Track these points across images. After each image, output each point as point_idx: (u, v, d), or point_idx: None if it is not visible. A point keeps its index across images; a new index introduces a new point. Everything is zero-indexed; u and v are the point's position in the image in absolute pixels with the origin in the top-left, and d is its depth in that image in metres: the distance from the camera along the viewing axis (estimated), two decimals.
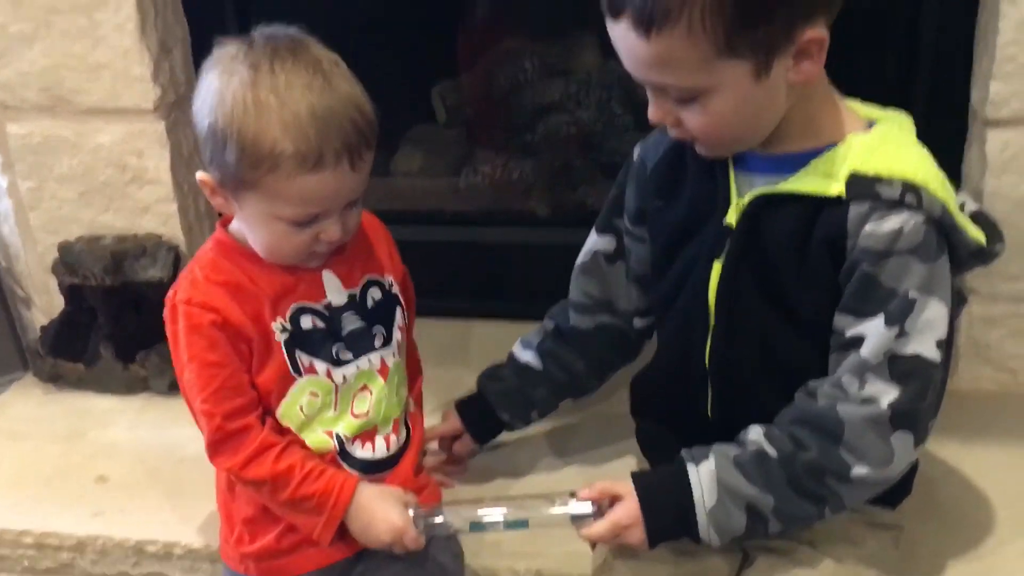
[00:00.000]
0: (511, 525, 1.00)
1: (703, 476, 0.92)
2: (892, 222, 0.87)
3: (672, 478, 0.94)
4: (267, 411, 1.01)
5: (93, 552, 1.20)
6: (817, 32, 0.85)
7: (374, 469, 1.05)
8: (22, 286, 1.64)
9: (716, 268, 0.96)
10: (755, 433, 0.93)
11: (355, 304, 1.05)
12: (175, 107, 1.46)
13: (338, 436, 1.03)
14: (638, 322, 1.15)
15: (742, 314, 0.96)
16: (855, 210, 0.88)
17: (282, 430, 1.02)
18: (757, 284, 0.95)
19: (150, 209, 1.48)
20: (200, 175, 0.99)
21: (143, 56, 1.39)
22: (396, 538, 0.98)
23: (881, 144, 0.91)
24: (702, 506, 0.92)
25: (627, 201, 1.10)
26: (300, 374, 1.01)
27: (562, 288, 1.56)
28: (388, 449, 1.06)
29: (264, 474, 0.98)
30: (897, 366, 0.88)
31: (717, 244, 0.96)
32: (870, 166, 0.88)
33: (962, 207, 0.94)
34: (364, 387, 1.04)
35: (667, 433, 1.07)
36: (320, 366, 1.02)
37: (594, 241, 1.16)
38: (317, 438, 1.03)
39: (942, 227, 0.88)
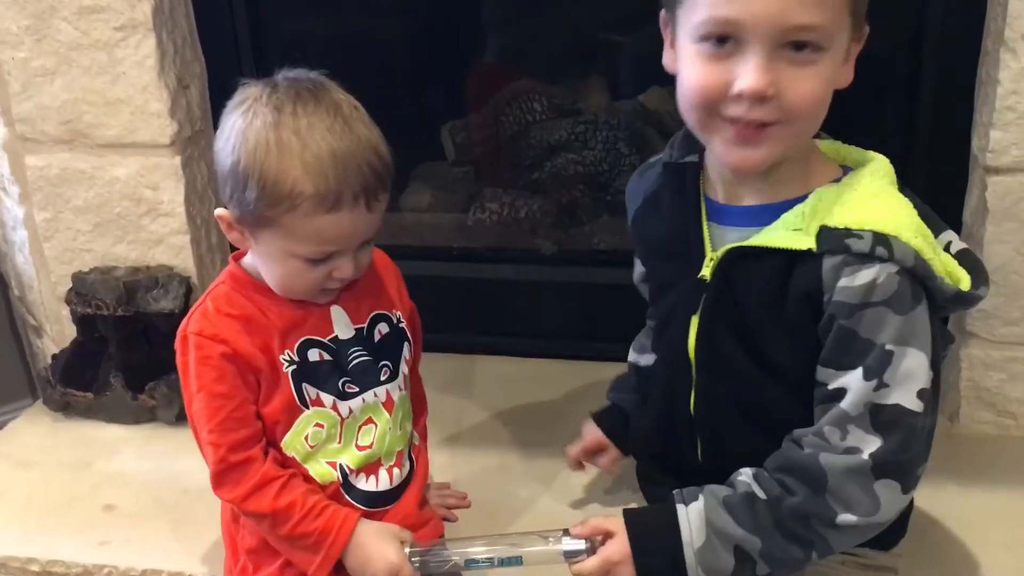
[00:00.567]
0: (505, 562, 1.00)
1: (692, 517, 0.93)
2: (865, 275, 0.87)
3: (662, 517, 0.95)
4: (272, 442, 1.03)
5: None
6: (866, 31, 0.88)
7: (377, 502, 1.07)
8: (34, 315, 1.66)
9: (694, 322, 0.97)
10: (745, 475, 0.94)
11: (362, 339, 1.06)
12: (191, 142, 1.49)
13: (342, 467, 1.05)
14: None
15: (722, 366, 0.97)
16: (828, 264, 0.88)
17: (286, 462, 1.03)
18: (734, 337, 0.95)
19: (163, 241, 1.51)
20: (219, 211, 1.01)
21: (161, 92, 1.42)
22: (391, 575, 0.99)
23: (851, 194, 0.91)
24: (691, 546, 0.92)
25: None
26: (307, 406, 1.03)
27: (566, 324, 1.59)
28: (391, 482, 1.08)
29: (265, 508, 0.99)
30: (878, 417, 0.88)
31: (694, 298, 0.97)
32: (839, 219, 0.88)
33: (947, 247, 0.94)
34: (369, 420, 1.06)
35: (664, 473, 1.08)
36: (326, 398, 1.03)
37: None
38: (321, 469, 1.04)
39: (916, 276, 0.88)
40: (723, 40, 0.85)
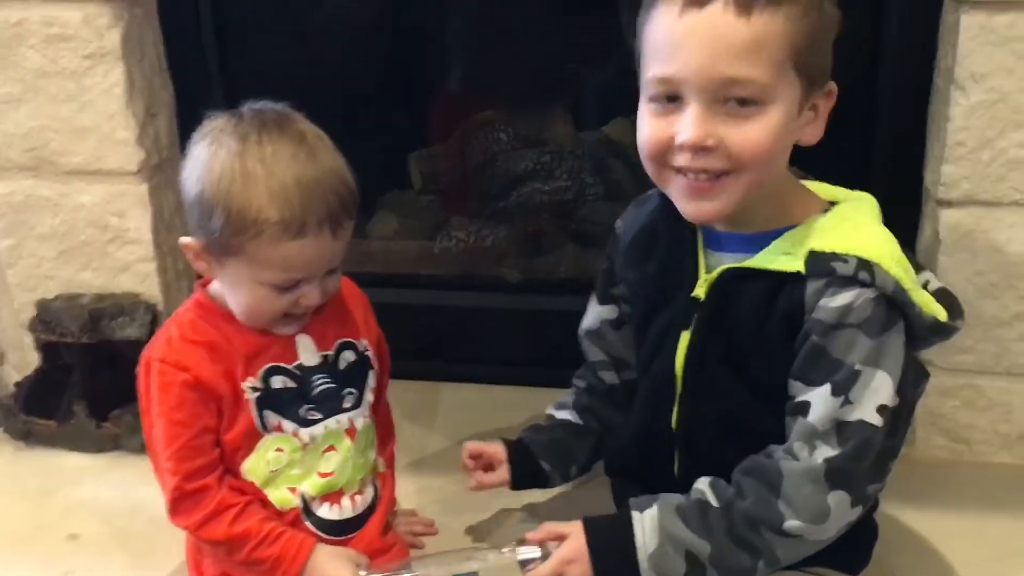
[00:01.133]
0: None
1: (646, 522, 0.96)
2: (844, 297, 0.91)
3: (618, 522, 0.98)
4: (231, 470, 1.03)
5: None
6: (833, 87, 0.93)
7: (339, 530, 1.07)
8: None
9: (684, 338, 1.00)
10: (702, 483, 0.97)
11: (327, 366, 1.07)
12: (158, 170, 1.49)
13: (302, 495, 1.05)
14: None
15: (707, 382, 1.00)
16: (812, 286, 0.92)
17: (244, 488, 1.03)
18: (722, 354, 0.99)
19: (129, 268, 1.51)
20: (184, 240, 1.02)
21: (128, 120, 1.43)
22: None
23: (839, 223, 0.96)
24: (644, 550, 0.95)
25: (616, 272, 1.14)
26: (267, 431, 1.03)
27: (531, 352, 1.61)
28: (354, 509, 1.08)
29: (220, 536, 1.00)
30: (843, 432, 0.92)
31: (686, 316, 1.00)
32: (827, 244, 0.93)
33: (926, 285, 0.98)
34: (331, 447, 1.06)
35: (639, 491, 1.09)
36: (288, 425, 1.04)
37: (598, 311, 1.19)
38: (281, 495, 1.05)
39: (894, 303, 0.92)
40: (672, 99, 0.91)
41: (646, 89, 0.94)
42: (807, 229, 0.95)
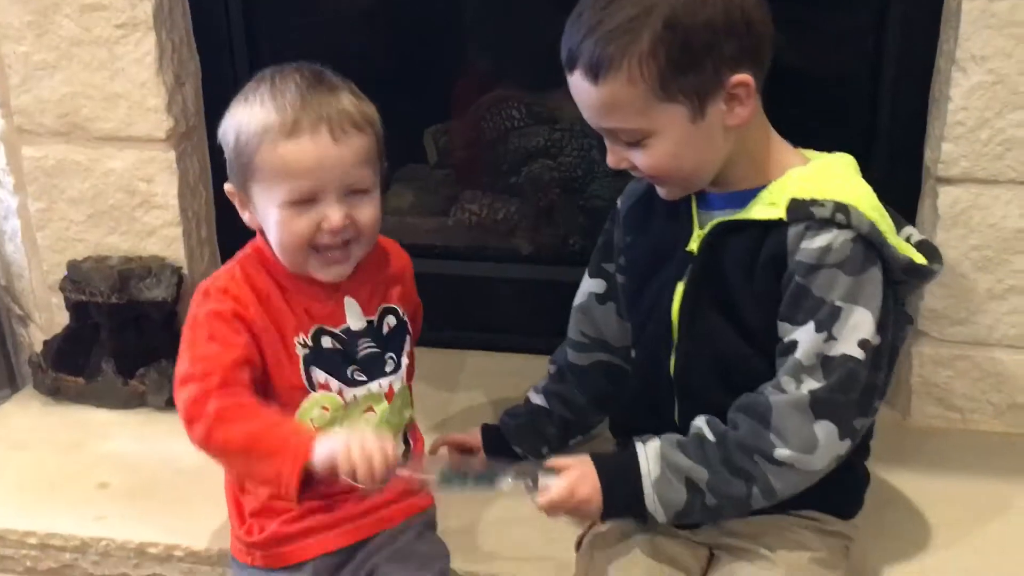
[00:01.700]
0: (480, 480, 1.04)
1: (649, 452, 1.02)
2: (823, 239, 0.97)
3: (623, 454, 1.04)
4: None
5: (95, 553, 1.25)
6: (743, 77, 0.97)
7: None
8: (21, 304, 1.69)
9: (679, 289, 1.06)
10: (699, 420, 1.03)
11: (372, 331, 1.10)
12: (185, 138, 1.54)
13: None
14: (632, 355, 1.23)
15: (702, 330, 1.06)
16: (793, 230, 0.98)
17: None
18: (715, 302, 1.04)
19: (155, 233, 1.55)
20: (227, 185, 1.08)
21: (159, 88, 1.48)
22: (366, 458, 0.94)
23: (818, 173, 1.03)
24: (648, 477, 1.01)
25: (614, 246, 1.21)
26: (314, 389, 1.06)
27: (542, 320, 1.66)
28: None
29: (236, 433, 0.98)
30: (828, 366, 0.98)
31: (681, 269, 1.06)
32: (807, 192, 0.99)
33: (908, 238, 1.05)
34: (369, 408, 1.10)
35: None
36: (334, 384, 1.07)
37: (587, 284, 1.26)
38: None
39: (870, 243, 0.98)
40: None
41: None
42: (787, 180, 1.02)
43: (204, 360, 1.01)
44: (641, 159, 1.01)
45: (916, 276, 1.02)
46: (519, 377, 1.56)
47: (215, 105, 1.57)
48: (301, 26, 1.65)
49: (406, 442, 1.16)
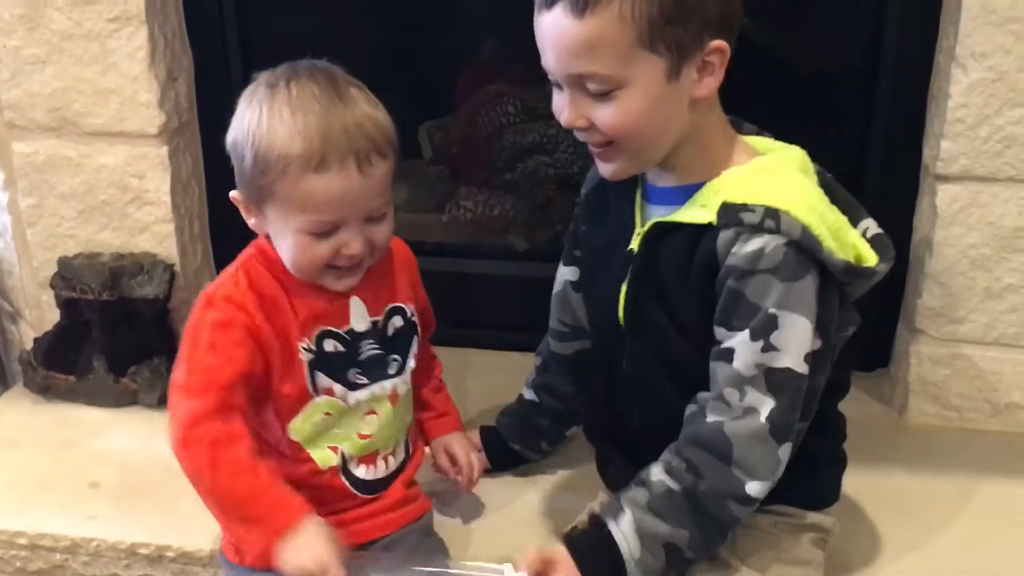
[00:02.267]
0: None
1: (625, 531, 1.00)
2: (754, 243, 0.95)
3: (599, 538, 1.01)
4: (282, 423, 1.05)
5: (86, 554, 1.24)
6: (721, 43, 0.96)
7: (370, 488, 1.10)
8: (11, 301, 1.68)
9: (623, 290, 1.05)
10: (656, 473, 1.01)
11: (376, 332, 1.08)
12: (177, 133, 1.53)
13: (342, 453, 1.08)
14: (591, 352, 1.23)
15: (646, 329, 1.05)
16: (724, 236, 0.96)
17: (291, 447, 1.05)
18: (656, 302, 1.03)
19: (147, 229, 1.54)
20: (232, 193, 1.05)
21: (151, 83, 1.46)
22: (319, 568, 0.94)
23: (753, 175, 1.00)
24: (631, 559, 1.00)
25: (580, 236, 1.20)
26: (318, 393, 1.05)
27: (537, 318, 1.65)
28: (387, 469, 1.11)
29: (227, 462, 0.97)
30: (772, 379, 0.96)
31: (624, 269, 1.05)
32: (739, 195, 0.97)
33: (864, 232, 1.03)
34: (372, 411, 1.08)
35: (613, 451, 1.16)
36: (337, 388, 1.05)
37: (563, 272, 1.25)
38: (323, 454, 1.07)
39: (803, 248, 0.95)
40: (557, 84, 1.00)
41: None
42: (722, 181, 1.00)
43: (202, 372, 1.00)
44: (605, 114, 0.96)
45: (858, 278, 1.00)
46: (514, 374, 1.54)
47: (208, 100, 1.57)
48: (295, 21, 1.64)
49: (407, 449, 1.15)
